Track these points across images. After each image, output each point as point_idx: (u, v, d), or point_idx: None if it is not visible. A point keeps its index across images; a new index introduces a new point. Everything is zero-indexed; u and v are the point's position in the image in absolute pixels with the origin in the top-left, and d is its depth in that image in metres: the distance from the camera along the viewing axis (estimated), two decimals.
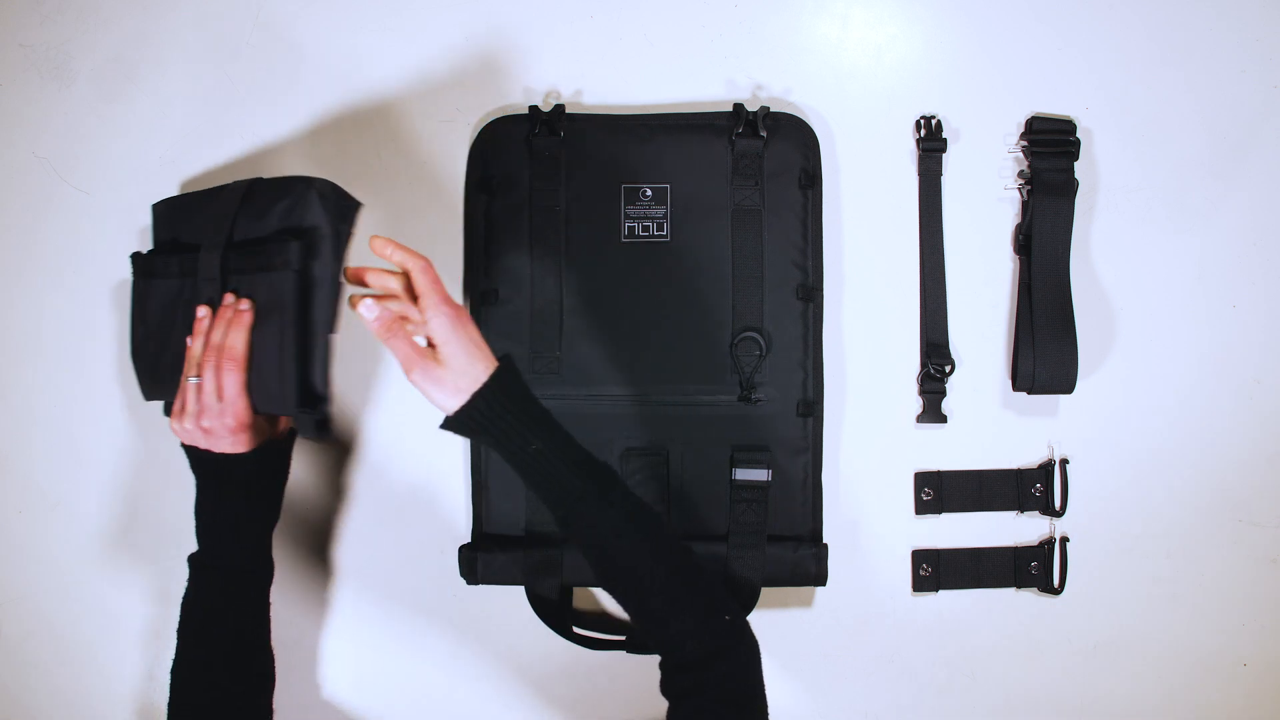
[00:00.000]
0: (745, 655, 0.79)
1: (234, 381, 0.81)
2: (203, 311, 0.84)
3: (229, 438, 0.82)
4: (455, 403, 0.77)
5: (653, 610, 0.79)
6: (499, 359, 0.79)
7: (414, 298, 0.79)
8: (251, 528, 0.87)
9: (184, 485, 1.00)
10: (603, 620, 1.01)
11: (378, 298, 0.79)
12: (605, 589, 0.83)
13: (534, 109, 0.97)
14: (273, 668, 0.90)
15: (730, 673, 0.77)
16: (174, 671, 0.86)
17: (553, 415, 0.80)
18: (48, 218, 1.01)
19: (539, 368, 0.97)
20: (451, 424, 0.78)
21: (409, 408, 1.00)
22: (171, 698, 0.85)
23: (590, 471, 0.79)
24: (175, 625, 0.86)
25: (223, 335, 0.82)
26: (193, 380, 0.83)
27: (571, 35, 1.00)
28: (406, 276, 0.79)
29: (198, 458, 0.85)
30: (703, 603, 0.79)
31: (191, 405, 0.82)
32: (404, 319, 0.80)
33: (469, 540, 0.99)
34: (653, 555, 0.79)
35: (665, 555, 0.80)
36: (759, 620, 1.00)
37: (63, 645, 1.02)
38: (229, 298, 0.83)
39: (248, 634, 0.87)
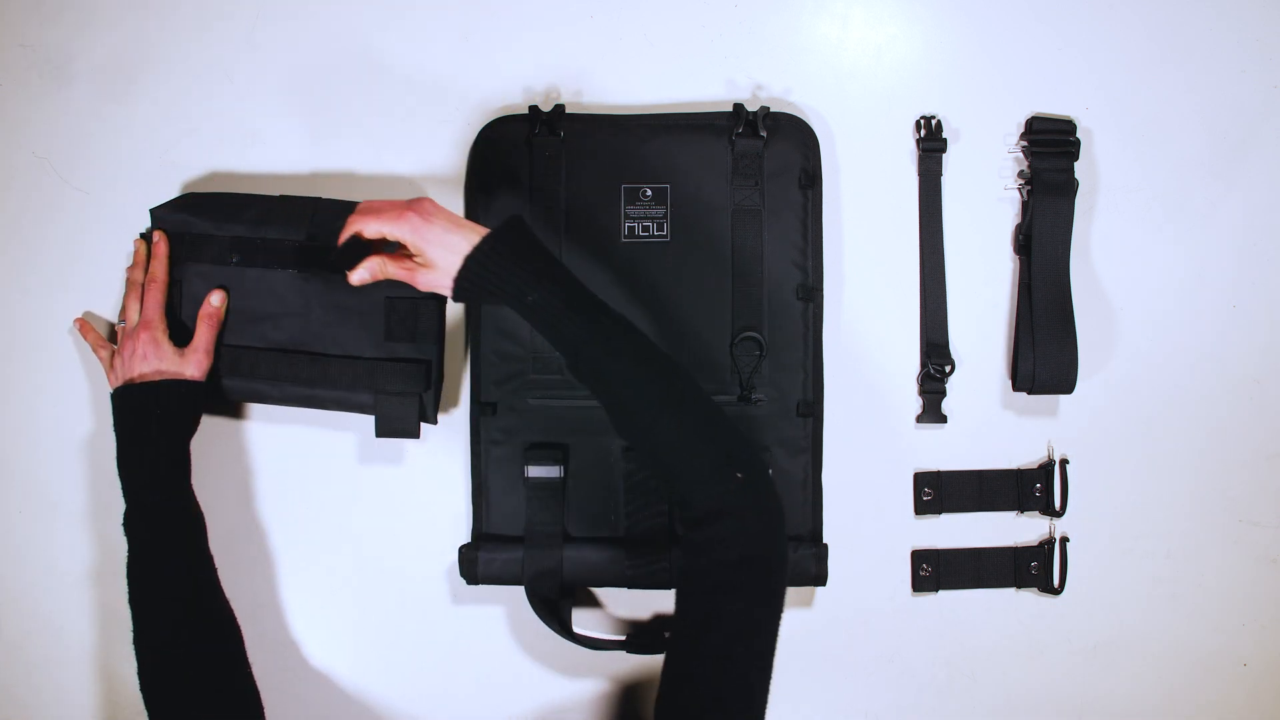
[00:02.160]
0: (758, 516, 0.74)
1: (155, 302, 0.92)
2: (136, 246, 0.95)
3: (154, 356, 0.90)
4: (449, 282, 0.80)
5: (663, 460, 0.76)
6: (504, 221, 0.81)
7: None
8: (171, 468, 0.90)
9: None
10: (603, 620, 1.01)
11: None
12: (620, 436, 0.82)
13: (534, 109, 0.97)
14: (232, 613, 0.90)
15: (739, 533, 0.73)
16: (136, 642, 0.86)
17: (559, 265, 0.81)
18: (48, 218, 1.01)
19: (539, 368, 0.97)
20: (456, 297, 0.81)
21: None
22: (140, 668, 0.85)
23: (594, 318, 0.79)
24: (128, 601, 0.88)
25: (144, 271, 0.94)
26: (120, 324, 0.94)
27: (571, 35, 1.00)
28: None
29: (123, 397, 0.90)
30: (713, 452, 0.75)
31: (122, 344, 0.92)
32: (387, 257, 0.84)
33: (469, 540, 0.99)
34: (661, 401, 0.77)
35: (674, 402, 0.77)
36: None
37: (63, 645, 1.02)
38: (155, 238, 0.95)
39: (197, 579, 0.89)
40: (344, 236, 0.83)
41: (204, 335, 0.92)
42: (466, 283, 0.80)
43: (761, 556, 0.73)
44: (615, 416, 0.79)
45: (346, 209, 0.93)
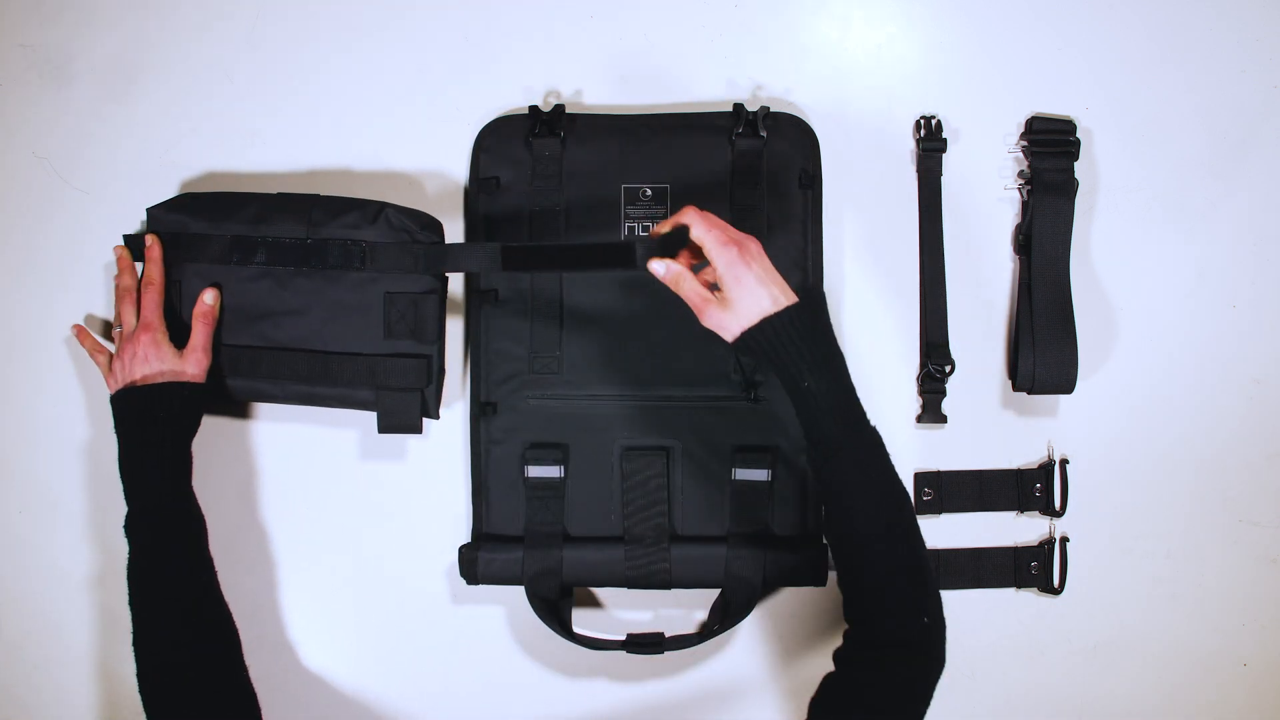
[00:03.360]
0: (926, 664, 0.78)
1: (153, 304, 0.91)
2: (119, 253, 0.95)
3: (155, 358, 0.90)
4: (738, 331, 0.80)
5: (862, 581, 0.79)
6: (802, 292, 0.80)
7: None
8: (174, 471, 0.90)
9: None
10: (603, 620, 1.01)
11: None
12: (829, 544, 0.83)
13: (534, 109, 0.97)
14: (230, 617, 0.90)
15: (904, 670, 0.78)
16: (136, 644, 0.86)
17: (841, 359, 0.81)
18: (48, 218, 1.01)
19: (539, 368, 0.97)
20: (735, 348, 0.81)
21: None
22: (140, 670, 0.85)
23: (854, 428, 0.80)
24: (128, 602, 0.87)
25: (132, 277, 0.94)
26: (117, 329, 0.94)
27: (571, 35, 1.00)
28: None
29: (124, 400, 0.90)
30: (912, 593, 0.78)
31: (121, 348, 0.92)
32: (690, 266, 0.83)
33: (469, 540, 0.99)
34: (886, 532, 0.79)
35: (898, 535, 0.79)
36: (759, 620, 1.00)
37: (63, 645, 1.02)
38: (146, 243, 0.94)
39: (198, 581, 0.89)
40: (672, 222, 0.82)
41: (200, 334, 0.92)
42: (753, 341, 0.79)
43: (911, 701, 0.77)
44: (834, 525, 0.81)
45: (345, 205, 0.93)
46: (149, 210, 0.96)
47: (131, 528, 0.88)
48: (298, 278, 0.94)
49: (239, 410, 1.01)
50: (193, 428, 0.92)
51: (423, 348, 0.94)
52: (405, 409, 0.94)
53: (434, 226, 0.94)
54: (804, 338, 0.79)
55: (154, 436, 0.89)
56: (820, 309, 0.82)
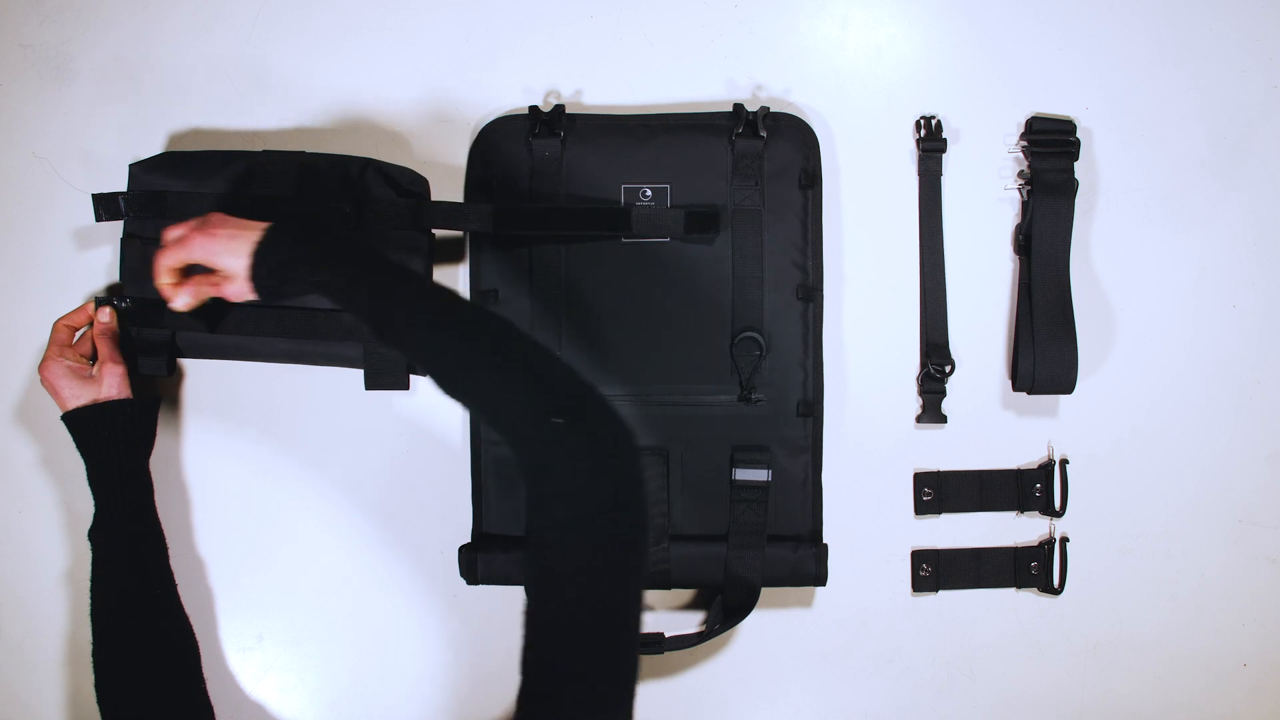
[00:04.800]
0: (589, 460, 0.65)
1: (107, 344, 0.92)
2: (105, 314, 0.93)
3: (106, 378, 0.90)
4: (248, 284, 0.80)
5: (488, 423, 0.73)
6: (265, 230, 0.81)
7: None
8: (131, 489, 0.90)
9: (186, 486, 1.01)
10: None
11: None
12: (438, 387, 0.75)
13: (534, 109, 0.97)
14: (190, 633, 0.91)
15: (563, 488, 0.65)
16: (94, 655, 0.87)
17: (352, 244, 0.80)
18: (48, 218, 1.01)
19: None
20: (262, 298, 0.81)
21: (409, 407, 1.00)
22: (97, 681, 0.86)
23: (387, 287, 0.77)
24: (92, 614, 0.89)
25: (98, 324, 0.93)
26: (114, 303, 0.94)
27: (571, 35, 1.00)
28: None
29: (79, 420, 0.90)
30: (521, 402, 0.68)
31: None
32: (198, 278, 0.83)
33: (469, 540, 0.99)
34: (461, 367, 0.71)
35: (475, 363, 0.70)
36: (759, 621, 1.00)
37: (63, 645, 1.01)
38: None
39: (152, 596, 0.90)
40: (157, 279, 0.84)
41: (105, 349, 0.92)
42: (260, 279, 0.79)
43: (595, 514, 0.64)
44: (435, 382, 0.74)
45: (335, 163, 0.94)
46: (130, 167, 0.95)
47: (92, 538, 0.90)
48: None
49: (239, 411, 1.01)
50: (143, 446, 0.92)
51: None
52: (392, 365, 0.94)
53: (420, 183, 0.95)
54: (293, 243, 0.79)
55: (104, 455, 0.90)
56: (305, 220, 0.84)
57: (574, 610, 0.64)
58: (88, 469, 0.91)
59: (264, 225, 0.81)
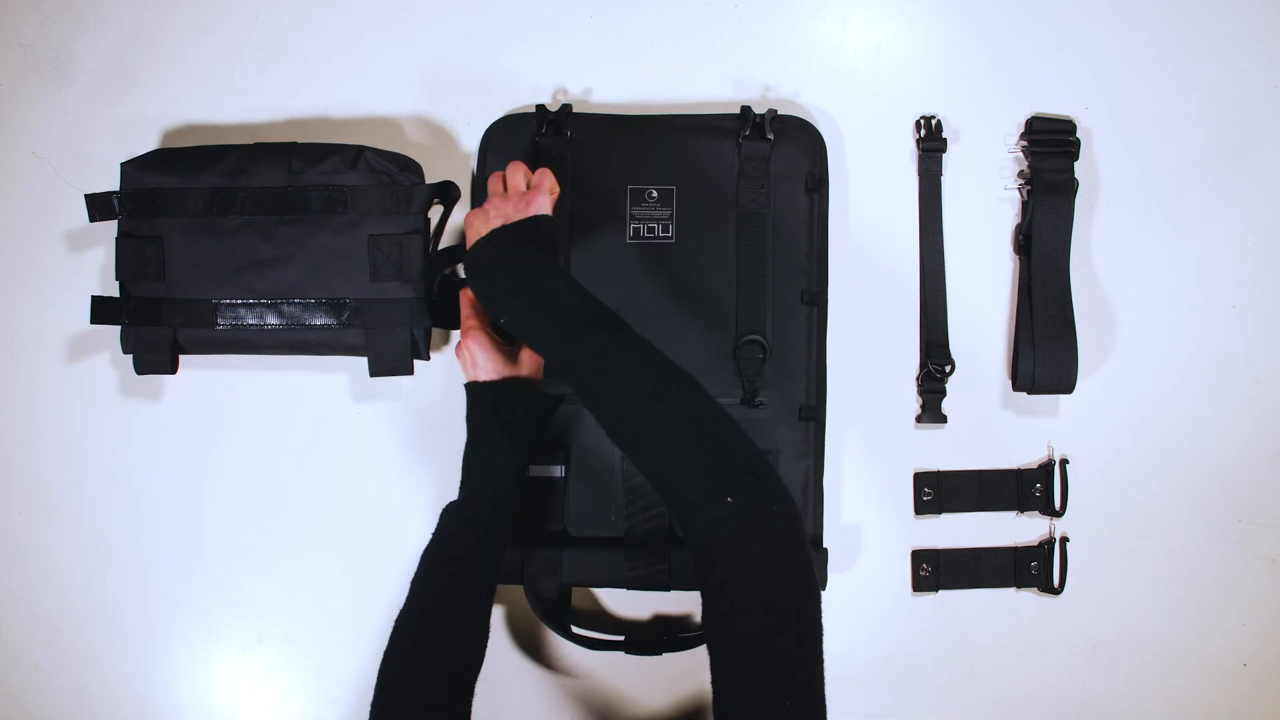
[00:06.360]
0: (762, 538, 0.66)
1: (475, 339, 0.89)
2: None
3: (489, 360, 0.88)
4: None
5: (657, 486, 0.70)
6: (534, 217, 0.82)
7: None
8: (507, 475, 0.86)
9: (186, 486, 1.01)
10: (603, 620, 1.01)
11: None
12: (614, 443, 0.74)
13: (541, 108, 0.97)
14: (482, 644, 0.85)
15: (738, 565, 0.65)
16: (399, 623, 0.82)
17: (539, 282, 0.78)
18: (48, 218, 1.01)
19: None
20: (468, 278, 0.83)
21: (409, 408, 1.00)
22: (389, 647, 0.81)
23: (568, 343, 0.75)
24: (411, 576, 0.84)
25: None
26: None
27: (577, 35, 1.00)
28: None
29: (475, 392, 0.87)
30: (701, 479, 0.67)
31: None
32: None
33: None
34: (644, 423, 0.70)
35: (661, 423, 0.70)
36: None
37: (63, 645, 1.02)
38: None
39: (466, 589, 0.84)
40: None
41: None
42: (470, 273, 0.82)
43: (776, 584, 0.65)
44: (597, 413, 0.75)
45: (324, 151, 0.94)
46: (122, 166, 0.95)
47: (446, 512, 0.86)
48: (280, 226, 0.94)
49: (239, 409, 1.01)
50: (533, 437, 0.88)
51: (409, 288, 0.94)
52: (396, 349, 0.95)
53: (414, 168, 0.95)
54: (499, 268, 0.79)
55: (489, 436, 0.86)
56: (537, 225, 0.81)
57: (764, 675, 0.63)
58: (472, 445, 0.87)
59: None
